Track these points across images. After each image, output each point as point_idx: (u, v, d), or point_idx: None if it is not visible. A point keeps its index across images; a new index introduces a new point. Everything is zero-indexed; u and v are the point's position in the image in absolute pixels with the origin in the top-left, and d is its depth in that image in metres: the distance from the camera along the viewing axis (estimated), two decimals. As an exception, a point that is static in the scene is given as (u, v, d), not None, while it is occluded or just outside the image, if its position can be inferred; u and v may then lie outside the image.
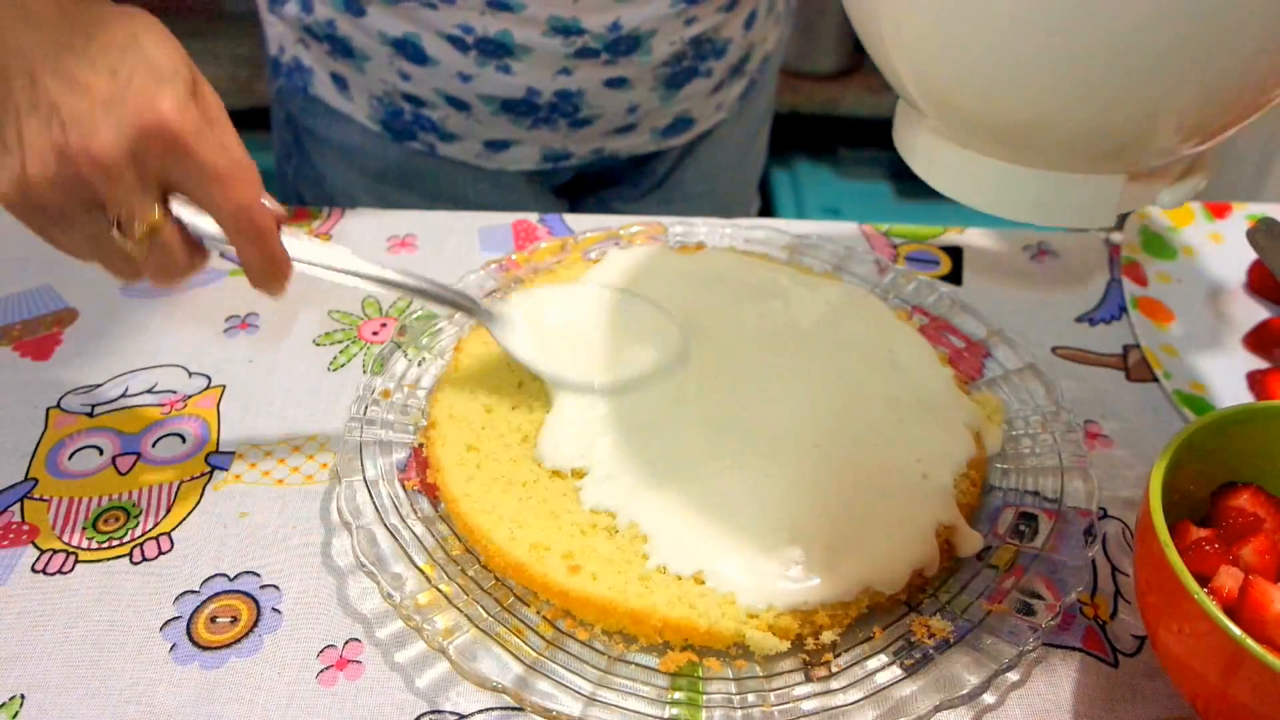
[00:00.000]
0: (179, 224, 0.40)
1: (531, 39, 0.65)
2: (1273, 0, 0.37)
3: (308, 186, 0.78)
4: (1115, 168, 0.46)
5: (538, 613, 0.41)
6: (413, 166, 0.75)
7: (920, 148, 0.52)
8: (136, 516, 0.46)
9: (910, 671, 0.39)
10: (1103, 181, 0.46)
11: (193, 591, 0.43)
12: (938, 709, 0.37)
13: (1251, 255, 0.60)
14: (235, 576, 0.43)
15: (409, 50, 0.67)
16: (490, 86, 0.68)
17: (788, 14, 0.83)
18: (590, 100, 0.70)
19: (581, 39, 0.65)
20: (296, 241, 0.42)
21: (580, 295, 0.52)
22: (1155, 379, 0.55)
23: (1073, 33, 0.39)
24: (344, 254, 0.43)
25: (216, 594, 0.43)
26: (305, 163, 0.78)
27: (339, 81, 0.72)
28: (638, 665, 0.40)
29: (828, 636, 0.40)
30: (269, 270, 0.42)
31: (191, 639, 0.41)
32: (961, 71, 0.44)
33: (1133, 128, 0.43)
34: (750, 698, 0.38)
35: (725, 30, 0.71)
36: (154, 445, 0.49)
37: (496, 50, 0.65)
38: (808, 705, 0.38)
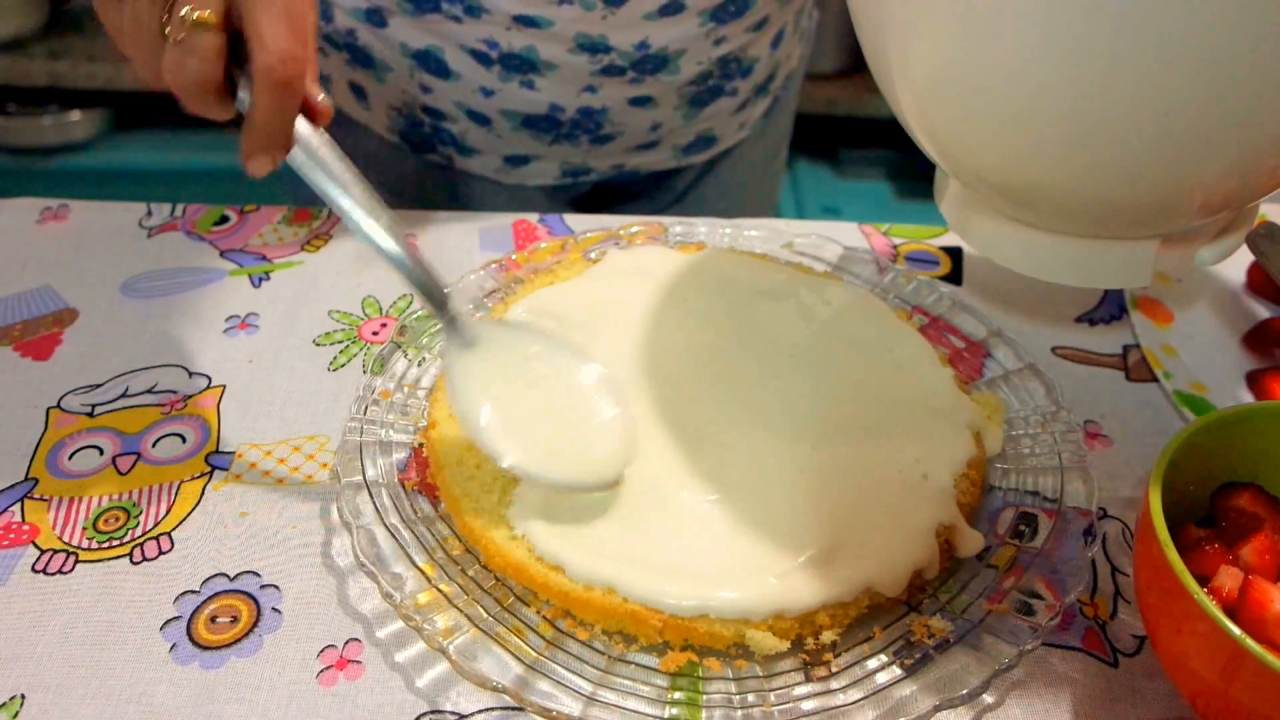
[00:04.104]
0: (227, 53, 0.39)
1: (558, 56, 0.64)
2: None
3: (320, 197, 0.78)
4: (1145, 234, 0.46)
5: (538, 613, 0.41)
6: (430, 179, 0.74)
7: (952, 205, 0.52)
8: (137, 516, 0.46)
9: (910, 671, 0.39)
10: (1135, 247, 0.46)
11: (193, 591, 0.43)
12: (938, 709, 0.37)
13: (1251, 255, 0.60)
14: (235, 576, 0.43)
15: (431, 63, 0.66)
16: (513, 102, 0.67)
17: (812, 31, 0.83)
18: (614, 118, 0.69)
19: (608, 57, 0.64)
20: (313, 131, 0.41)
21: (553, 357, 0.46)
22: (1155, 379, 0.55)
23: (1093, 112, 0.38)
24: (356, 184, 0.42)
25: (216, 594, 0.43)
26: None
27: (357, 91, 0.72)
28: (638, 665, 0.40)
29: (828, 636, 0.40)
30: (271, 127, 0.40)
31: (192, 639, 0.41)
32: (968, 126, 0.43)
33: (1157, 201, 0.42)
34: (750, 698, 0.38)
35: (753, 50, 0.70)
36: (154, 445, 0.49)
37: (521, 66, 0.65)
38: (808, 705, 0.38)
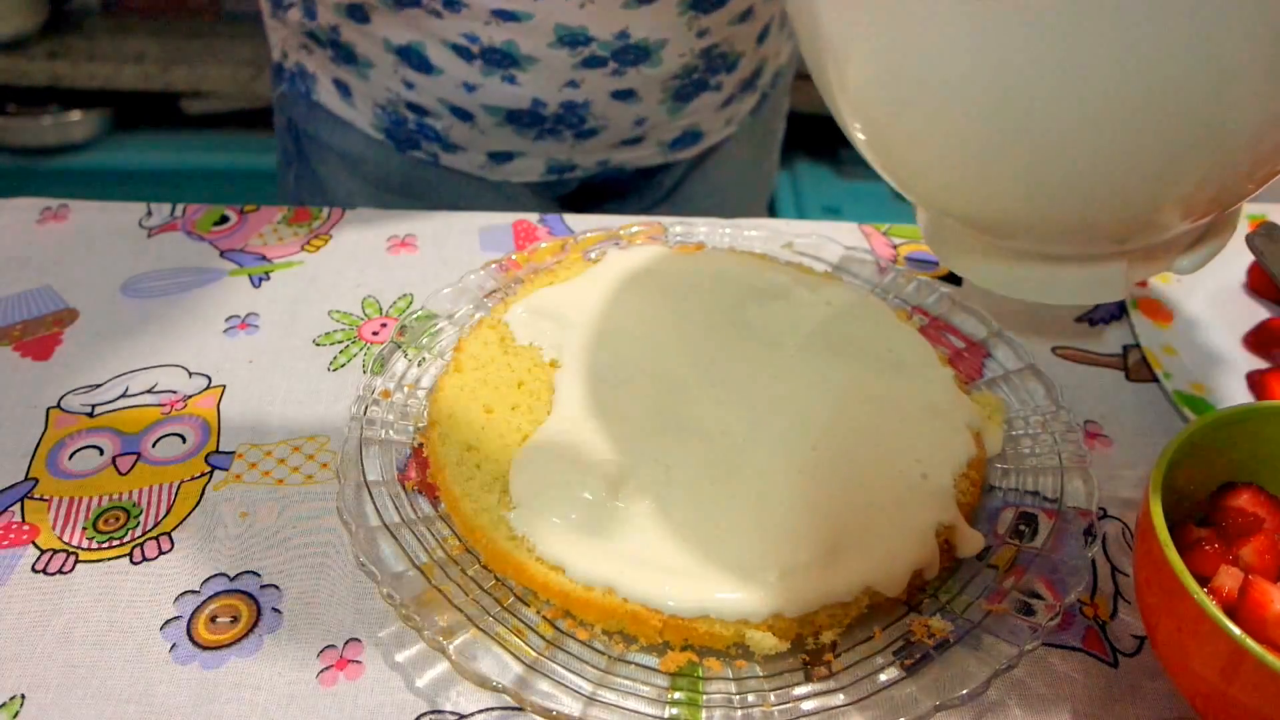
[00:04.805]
0: None
1: (538, 49, 0.64)
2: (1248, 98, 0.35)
3: (309, 193, 0.78)
4: (1108, 252, 0.45)
5: (538, 613, 0.41)
6: (415, 176, 0.74)
7: (925, 224, 0.52)
8: (137, 516, 0.46)
9: (910, 671, 0.39)
10: (1102, 265, 0.46)
11: (193, 591, 0.43)
12: (938, 709, 0.37)
13: (1251, 255, 0.60)
14: (235, 576, 0.43)
15: (413, 58, 0.66)
16: (495, 97, 0.67)
17: None
18: (597, 111, 0.69)
19: (588, 48, 0.64)
20: None
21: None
22: (1155, 379, 0.55)
23: (1028, 139, 0.37)
24: None
25: (217, 594, 0.43)
26: (307, 169, 0.78)
27: (342, 88, 0.72)
28: (638, 665, 0.40)
29: (828, 637, 0.40)
30: None
31: (192, 639, 0.41)
32: (912, 150, 0.43)
33: (1110, 224, 0.42)
34: (750, 698, 0.38)
35: (738, 44, 0.70)
36: (154, 445, 0.49)
37: (502, 60, 0.65)
38: (808, 705, 0.38)
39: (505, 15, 0.62)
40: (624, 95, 0.68)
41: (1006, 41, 0.35)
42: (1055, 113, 0.36)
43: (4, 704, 0.39)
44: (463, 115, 0.69)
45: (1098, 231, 0.43)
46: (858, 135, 0.45)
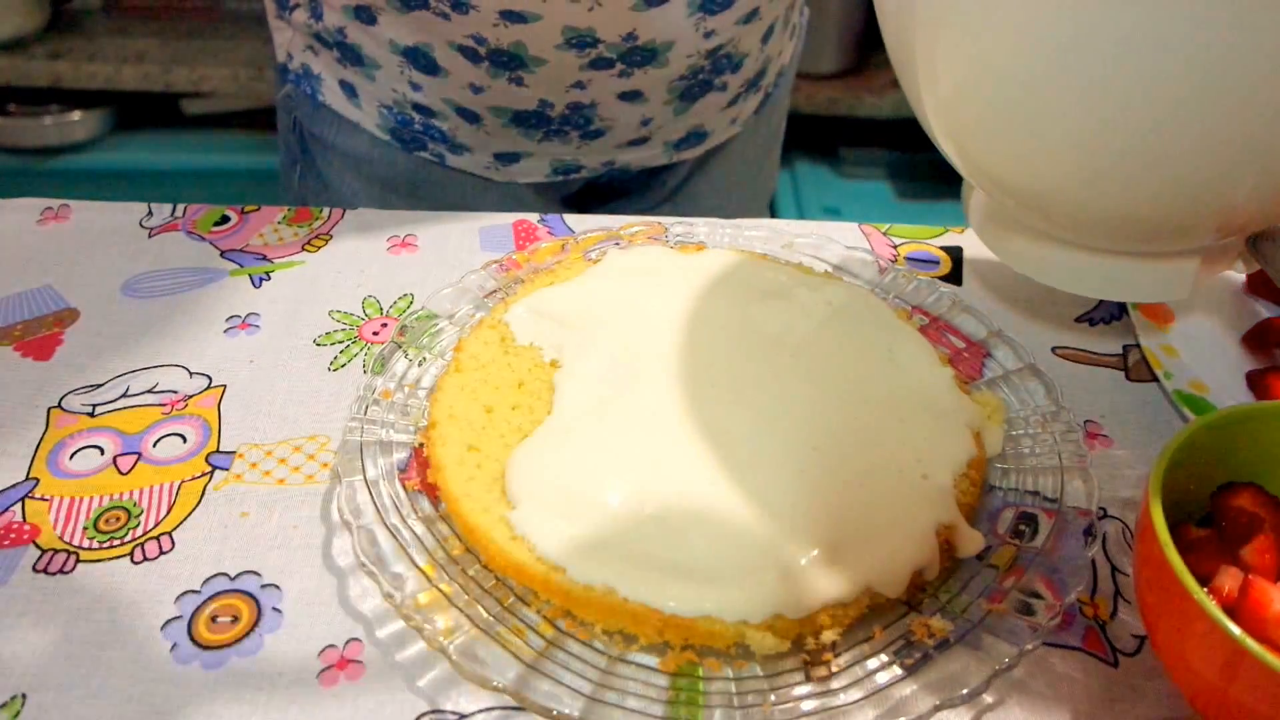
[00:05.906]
0: None
1: (546, 51, 0.64)
2: None
3: (314, 194, 0.78)
4: (1183, 249, 0.45)
5: (538, 613, 0.41)
6: (421, 177, 0.74)
7: (981, 218, 0.51)
8: (137, 516, 0.46)
9: (910, 671, 0.39)
10: (1176, 264, 0.45)
11: (193, 591, 0.43)
12: (938, 709, 0.37)
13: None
14: (236, 576, 0.43)
15: (420, 60, 0.66)
16: (502, 98, 0.67)
17: (802, 28, 0.83)
18: (603, 112, 0.69)
19: (596, 50, 0.64)
20: None
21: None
22: (1155, 379, 0.55)
23: (1126, 125, 0.36)
24: None
25: (217, 593, 0.43)
26: (311, 170, 0.78)
27: (348, 89, 0.72)
28: (638, 665, 0.40)
29: (828, 636, 0.40)
30: None
31: (192, 638, 0.41)
32: (1000, 146, 0.42)
33: (1199, 218, 0.41)
34: (750, 697, 0.38)
35: (743, 44, 0.70)
36: (155, 445, 0.49)
37: (510, 62, 0.65)
38: (808, 705, 0.38)
39: (513, 17, 0.62)
40: (630, 96, 0.68)
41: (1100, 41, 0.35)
42: (1159, 104, 0.36)
43: (4, 704, 0.39)
44: (469, 116, 0.69)
45: (1186, 224, 0.42)
46: (935, 121, 0.44)
